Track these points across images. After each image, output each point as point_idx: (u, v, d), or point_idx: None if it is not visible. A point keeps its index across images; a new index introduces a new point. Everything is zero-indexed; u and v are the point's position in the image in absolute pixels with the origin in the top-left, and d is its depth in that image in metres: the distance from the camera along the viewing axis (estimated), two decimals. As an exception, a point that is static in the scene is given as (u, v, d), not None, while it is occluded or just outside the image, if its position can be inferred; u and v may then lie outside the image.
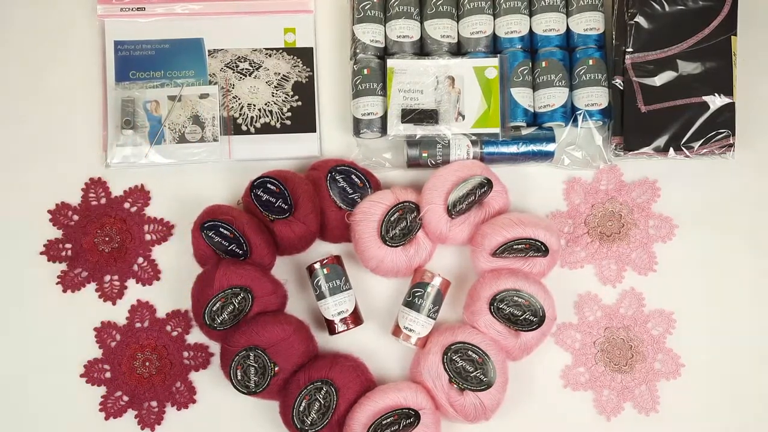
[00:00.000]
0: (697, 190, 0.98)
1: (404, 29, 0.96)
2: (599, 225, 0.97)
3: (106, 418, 0.96)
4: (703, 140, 0.93)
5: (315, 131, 0.99)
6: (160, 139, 0.97)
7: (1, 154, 0.98)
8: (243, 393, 0.88)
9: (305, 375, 0.88)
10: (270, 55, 1.00)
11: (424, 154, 0.95)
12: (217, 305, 0.88)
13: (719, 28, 0.94)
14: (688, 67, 0.94)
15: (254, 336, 0.87)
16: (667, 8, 0.94)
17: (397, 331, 0.92)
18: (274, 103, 0.99)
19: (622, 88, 0.95)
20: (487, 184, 0.91)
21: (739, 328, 0.97)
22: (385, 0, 0.97)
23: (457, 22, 0.98)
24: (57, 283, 0.97)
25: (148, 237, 0.98)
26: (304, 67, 1.00)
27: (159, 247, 0.98)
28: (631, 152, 0.95)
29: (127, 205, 0.98)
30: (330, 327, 0.92)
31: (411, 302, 0.91)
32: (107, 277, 0.97)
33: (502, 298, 0.89)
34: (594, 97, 0.95)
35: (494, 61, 0.95)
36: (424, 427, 0.87)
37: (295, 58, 1.00)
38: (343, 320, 0.91)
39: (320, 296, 0.91)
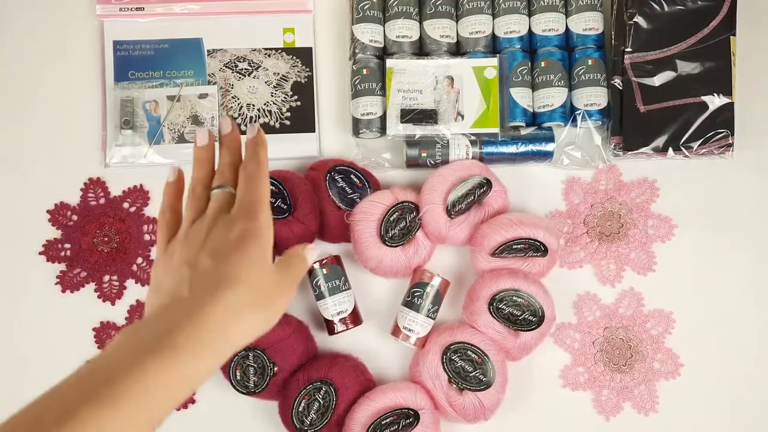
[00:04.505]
0: (696, 190, 0.98)
1: (403, 29, 0.96)
2: (598, 225, 0.97)
3: (106, 419, 0.95)
4: (702, 140, 0.94)
5: (314, 131, 0.99)
6: (159, 139, 0.97)
7: (1, 154, 0.98)
8: (242, 393, 0.88)
9: (304, 375, 0.88)
10: (269, 55, 1.00)
11: (424, 154, 0.95)
12: (217, 305, 0.88)
13: (718, 28, 0.94)
14: (687, 67, 0.94)
15: (253, 336, 0.87)
16: (666, 8, 0.94)
17: (396, 331, 0.92)
18: (273, 103, 0.99)
19: (621, 88, 0.95)
20: (486, 184, 0.91)
21: (738, 328, 0.97)
22: (384, 0, 0.97)
23: (456, 22, 0.98)
24: (56, 284, 0.97)
25: (147, 237, 0.98)
26: (304, 67, 1.00)
27: (158, 247, 0.98)
28: (630, 152, 0.95)
29: (126, 205, 0.98)
30: (329, 327, 0.92)
31: (410, 302, 0.91)
32: (106, 278, 0.97)
33: (502, 298, 0.89)
34: (593, 97, 0.95)
35: (493, 61, 0.95)
36: (423, 427, 0.87)
37: (294, 58, 1.00)
38: (343, 320, 0.91)
39: (319, 296, 0.91)
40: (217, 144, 0.65)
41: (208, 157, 0.64)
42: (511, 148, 0.96)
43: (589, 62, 0.95)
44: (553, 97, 0.95)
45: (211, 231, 0.58)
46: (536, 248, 0.89)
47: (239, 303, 0.53)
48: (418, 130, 0.95)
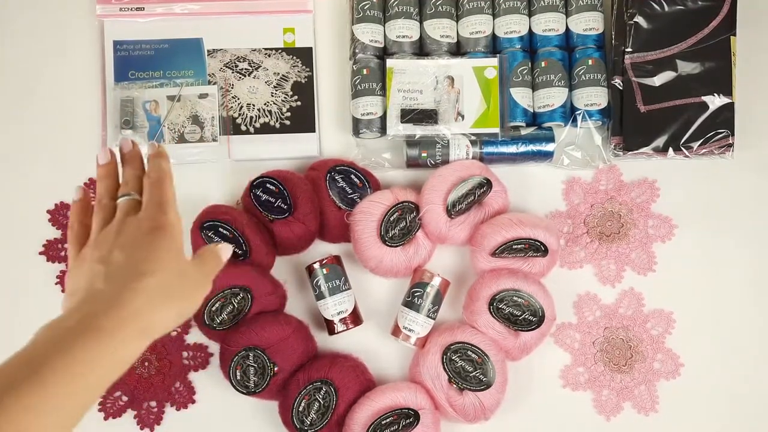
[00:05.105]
0: (697, 190, 0.98)
1: (403, 29, 0.96)
2: (598, 225, 0.97)
3: (105, 418, 0.96)
4: (702, 140, 0.94)
5: (314, 131, 0.99)
6: (160, 139, 0.97)
7: (1, 154, 0.98)
8: (242, 393, 0.88)
9: (305, 375, 0.88)
10: (269, 55, 1.00)
11: (424, 154, 0.95)
12: (217, 305, 0.88)
13: (718, 29, 0.94)
14: (687, 67, 0.94)
15: (253, 336, 0.87)
16: (666, 8, 0.94)
17: (396, 331, 0.92)
18: (274, 103, 0.99)
19: (621, 88, 0.95)
20: (486, 184, 0.91)
21: (738, 328, 0.97)
22: (384, 0, 0.97)
23: (457, 22, 0.98)
24: (56, 284, 0.97)
25: (147, 237, 0.98)
26: (304, 67, 1.00)
27: (158, 247, 0.98)
28: (630, 152, 0.95)
29: (126, 205, 0.98)
30: (329, 327, 0.92)
31: (410, 302, 0.91)
32: (106, 277, 0.97)
33: (502, 298, 0.89)
34: (593, 97, 0.95)
35: (494, 61, 0.95)
36: (423, 427, 0.87)
37: (295, 58, 1.00)
38: (343, 320, 0.91)
39: (320, 296, 0.91)
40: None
41: (112, 172, 0.65)
42: (511, 148, 0.96)
43: (590, 62, 0.95)
44: (553, 97, 0.95)
45: (121, 231, 0.59)
46: (536, 248, 0.89)
47: (154, 291, 0.55)
48: (418, 130, 0.95)
